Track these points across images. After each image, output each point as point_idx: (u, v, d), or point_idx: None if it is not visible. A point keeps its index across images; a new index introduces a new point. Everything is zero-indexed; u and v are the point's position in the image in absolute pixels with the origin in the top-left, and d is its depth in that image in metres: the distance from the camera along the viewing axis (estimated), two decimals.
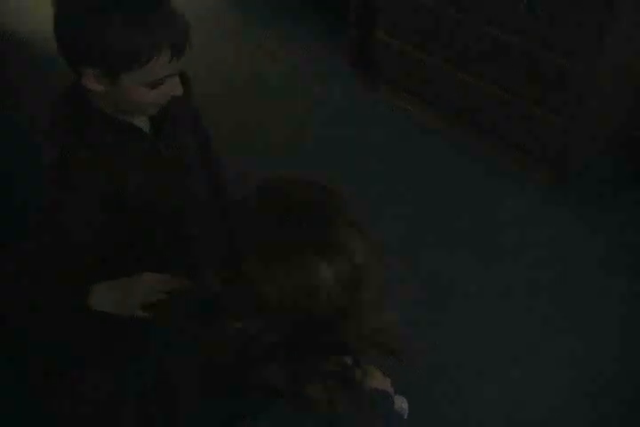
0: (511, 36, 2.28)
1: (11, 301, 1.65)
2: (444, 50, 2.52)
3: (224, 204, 1.64)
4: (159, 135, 1.35)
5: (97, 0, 1.11)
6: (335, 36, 3.13)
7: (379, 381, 1.41)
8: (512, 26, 2.25)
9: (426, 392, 2.01)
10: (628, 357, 2.09)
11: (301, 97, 2.93)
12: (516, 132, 2.55)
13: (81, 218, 1.29)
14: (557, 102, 2.33)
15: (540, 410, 1.99)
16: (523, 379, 2.06)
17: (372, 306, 0.91)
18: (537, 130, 2.47)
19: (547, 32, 2.18)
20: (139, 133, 1.31)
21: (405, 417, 1.85)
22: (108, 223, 1.31)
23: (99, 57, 1.13)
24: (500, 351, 2.12)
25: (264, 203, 0.90)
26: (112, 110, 1.26)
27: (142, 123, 1.33)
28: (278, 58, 3.14)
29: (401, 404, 1.84)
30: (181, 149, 1.40)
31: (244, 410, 0.90)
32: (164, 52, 1.14)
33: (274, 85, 2.99)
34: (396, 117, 2.83)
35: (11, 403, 1.93)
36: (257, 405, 0.90)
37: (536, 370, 2.07)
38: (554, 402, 2.00)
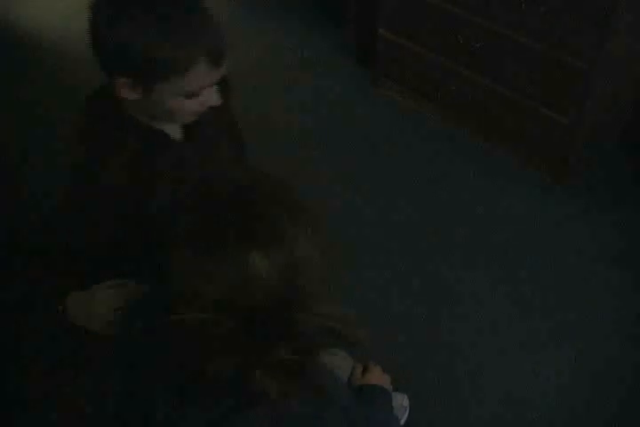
0: (514, 33, 2.27)
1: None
2: (446, 47, 2.52)
3: None
4: (190, 143, 1.31)
5: (133, 9, 1.08)
6: (336, 32, 3.13)
7: (377, 377, 1.41)
8: (515, 23, 2.25)
9: (427, 389, 2.00)
10: (628, 350, 2.09)
11: (302, 94, 2.92)
12: (517, 131, 2.54)
13: (102, 218, 1.27)
14: (559, 101, 2.32)
15: (539, 402, 1.99)
16: (523, 374, 2.05)
17: (317, 295, 0.90)
18: (538, 129, 2.46)
19: (549, 29, 2.17)
20: (167, 141, 1.28)
21: (407, 414, 1.84)
22: (128, 225, 1.29)
23: (133, 67, 1.11)
24: (502, 348, 2.11)
25: (201, 194, 0.89)
26: (143, 116, 1.23)
27: (174, 130, 1.29)
28: (279, 55, 3.13)
29: (401, 402, 1.84)
30: (212, 159, 1.36)
31: (219, 415, 0.90)
32: (202, 62, 1.11)
33: (274, 83, 2.99)
34: (397, 115, 2.83)
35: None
36: (231, 408, 0.89)
37: (538, 365, 2.07)
38: (554, 394, 2.00)
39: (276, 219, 0.87)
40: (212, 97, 1.20)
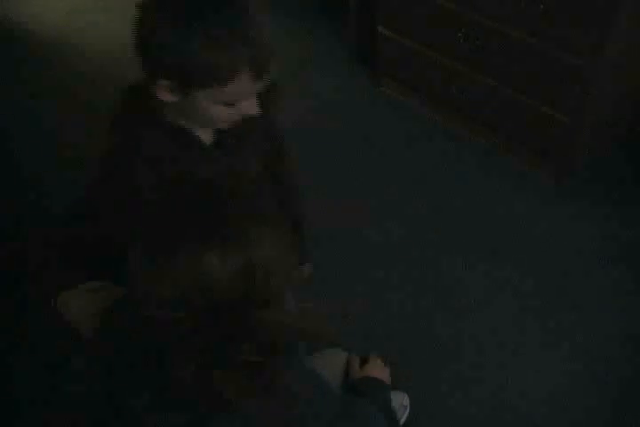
0: (514, 31, 2.26)
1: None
2: (446, 45, 2.51)
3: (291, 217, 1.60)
4: (220, 148, 1.29)
5: (180, 14, 1.06)
6: (336, 32, 3.13)
7: (377, 370, 1.40)
8: (515, 21, 2.24)
9: (427, 389, 2.00)
10: (628, 350, 2.09)
11: (302, 92, 2.92)
12: (517, 130, 2.54)
13: (116, 213, 1.26)
14: (559, 100, 2.32)
15: (539, 402, 1.99)
16: (523, 374, 2.05)
17: (282, 295, 0.89)
18: (539, 129, 2.46)
19: (549, 28, 2.17)
20: (196, 144, 1.26)
21: (407, 413, 1.84)
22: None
23: (176, 71, 1.09)
24: (502, 347, 2.11)
25: (159, 195, 0.89)
26: (177, 117, 1.22)
27: (206, 134, 1.28)
28: (279, 55, 3.13)
29: (402, 401, 1.84)
30: (242, 165, 1.33)
31: (186, 416, 0.90)
32: (244, 73, 1.09)
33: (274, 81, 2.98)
34: (397, 113, 2.83)
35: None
36: (198, 410, 0.89)
37: (538, 365, 2.07)
38: (554, 394, 2.00)
39: (234, 220, 0.86)
40: (251, 107, 1.18)
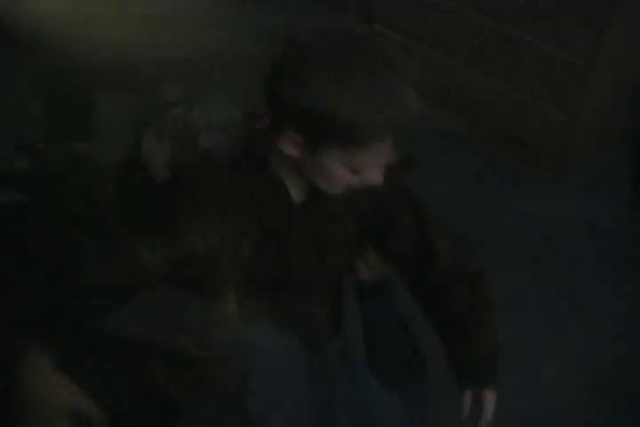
0: (514, 31, 2.27)
1: None
2: (444, 45, 2.52)
3: None
4: (307, 208, 1.15)
5: (333, 66, 0.97)
6: None
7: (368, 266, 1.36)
8: (515, 21, 2.25)
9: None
10: (628, 350, 2.09)
11: None
12: (517, 129, 2.54)
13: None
14: (559, 99, 2.32)
15: (538, 402, 1.99)
16: (522, 374, 2.05)
17: (223, 288, 0.89)
18: (539, 127, 2.46)
19: (548, 26, 2.17)
20: (286, 198, 1.13)
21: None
22: None
23: (312, 126, 0.98)
24: (501, 347, 2.11)
25: (112, 182, 0.89)
26: (280, 168, 1.10)
27: (298, 193, 1.14)
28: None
29: None
30: (323, 234, 1.20)
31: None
32: (386, 140, 1.00)
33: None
34: None
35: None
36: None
37: (537, 364, 2.07)
38: (554, 394, 2.00)
39: (169, 210, 0.85)
40: (375, 176, 1.06)
